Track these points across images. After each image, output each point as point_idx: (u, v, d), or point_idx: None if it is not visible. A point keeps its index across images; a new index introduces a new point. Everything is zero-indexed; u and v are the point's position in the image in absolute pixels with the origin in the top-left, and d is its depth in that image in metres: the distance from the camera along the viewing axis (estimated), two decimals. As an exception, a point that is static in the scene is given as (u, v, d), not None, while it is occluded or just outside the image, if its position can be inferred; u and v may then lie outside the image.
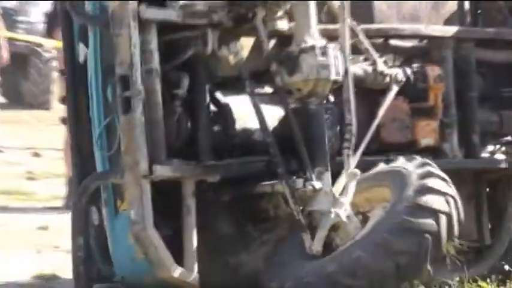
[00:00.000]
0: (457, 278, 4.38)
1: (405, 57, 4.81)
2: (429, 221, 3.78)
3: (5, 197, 7.98)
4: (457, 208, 3.92)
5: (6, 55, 10.35)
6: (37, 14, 14.28)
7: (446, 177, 4.01)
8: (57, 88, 11.49)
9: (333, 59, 4.13)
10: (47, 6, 12.13)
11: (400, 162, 4.12)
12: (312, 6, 4.22)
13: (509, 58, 5.02)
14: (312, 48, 4.11)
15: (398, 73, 4.61)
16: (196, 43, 4.21)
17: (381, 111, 4.48)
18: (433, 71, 4.74)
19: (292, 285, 3.88)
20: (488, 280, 4.47)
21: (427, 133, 4.70)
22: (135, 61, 3.99)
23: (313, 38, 4.17)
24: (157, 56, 4.09)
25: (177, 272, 4.12)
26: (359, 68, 4.51)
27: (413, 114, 4.69)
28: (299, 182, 4.11)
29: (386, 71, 4.56)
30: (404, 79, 4.63)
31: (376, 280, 3.71)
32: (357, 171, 4.14)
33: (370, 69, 4.53)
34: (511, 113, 4.98)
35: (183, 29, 4.20)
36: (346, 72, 4.23)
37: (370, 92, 4.58)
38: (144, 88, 4.03)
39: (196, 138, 4.25)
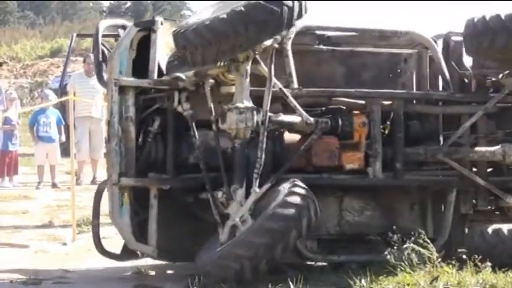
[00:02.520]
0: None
1: (348, 109, 6.14)
2: (292, 211, 5.28)
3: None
4: (314, 205, 5.37)
5: None
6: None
7: (307, 189, 5.43)
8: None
9: (250, 115, 5.67)
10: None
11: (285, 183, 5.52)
12: (247, 80, 5.77)
13: (437, 111, 6.31)
14: (236, 108, 5.72)
15: (322, 121, 5.99)
16: (164, 100, 6.00)
17: (304, 146, 5.95)
18: (359, 119, 6.11)
19: (202, 263, 5.49)
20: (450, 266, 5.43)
21: (352, 160, 6.08)
22: (114, 112, 5.91)
23: (242, 101, 5.72)
24: (132, 108, 5.95)
25: (139, 246, 5.95)
26: (292, 118, 5.96)
27: (342, 148, 6.06)
28: (219, 194, 5.77)
29: (310, 120, 5.95)
30: (328, 125, 5.99)
31: (251, 252, 5.22)
32: (258, 190, 5.60)
33: (299, 119, 5.97)
34: (432, 147, 6.22)
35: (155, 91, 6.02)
36: (263, 123, 5.73)
37: (303, 133, 6.07)
38: (123, 128, 5.92)
39: (164, 160, 6.02)
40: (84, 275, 6.45)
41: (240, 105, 5.75)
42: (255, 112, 5.73)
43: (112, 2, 49.56)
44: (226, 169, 5.78)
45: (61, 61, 22.32)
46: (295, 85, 6.10)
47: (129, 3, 49.51)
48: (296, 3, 5.55)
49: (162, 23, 6.13)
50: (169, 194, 6.02)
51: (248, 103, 5.78)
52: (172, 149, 6.03)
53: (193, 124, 5.93)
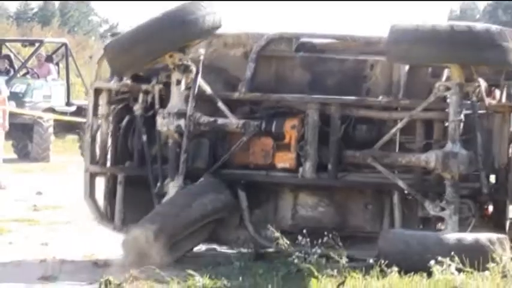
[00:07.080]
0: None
1: (293, 111, 6.53)
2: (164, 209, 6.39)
3: (17, 223, 8.93)
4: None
5: (7, 124, 12.50)
6: (39, 95, 16.11)
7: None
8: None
9: (172, 120, 6.37)
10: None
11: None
12: (179, 86, 6.44)
13: (379, 115, 6.44)
14: (160, 112, 6.53)
15: (252, 123, 6.51)
16: (130, 99, 6.78)
17: (235, 146, 6.52)
18: (290, 122, 6.54)
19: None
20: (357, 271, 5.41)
21: (283, 160, 6.54)
22: (89, 109, 6.91)
23: (171, 107, 6.46)
24: (106, 107, 6.78)
25: (108, 224, 6.78)
26: (224, 120, 6.57)
27: (275, 148, 6.56)
28: (158, 185, 6.52)
29: (240, 122, 6.54)
30: (258, 127, 6.48)
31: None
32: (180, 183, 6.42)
33: (229, 121, 6.57)
34: (364, 151, 6.34)
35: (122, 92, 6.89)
36: (186, 125, 6.43)
37: (236, 134, 6.59)
38: (99, 123, 6.80)
39: (131, 151, 6.84)
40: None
41: (164, 110, 6.54)
42: (175, 117, 6.48)
43: (19, 7, 48.21)
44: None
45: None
46: (244, 91, 6.63)
47: (35, 9, 48.36)
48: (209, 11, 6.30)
49: None
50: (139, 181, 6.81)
51: (173, 109, 6.52)
52: (136, 143, 6.85)
53: (141, 122, 6.69)
